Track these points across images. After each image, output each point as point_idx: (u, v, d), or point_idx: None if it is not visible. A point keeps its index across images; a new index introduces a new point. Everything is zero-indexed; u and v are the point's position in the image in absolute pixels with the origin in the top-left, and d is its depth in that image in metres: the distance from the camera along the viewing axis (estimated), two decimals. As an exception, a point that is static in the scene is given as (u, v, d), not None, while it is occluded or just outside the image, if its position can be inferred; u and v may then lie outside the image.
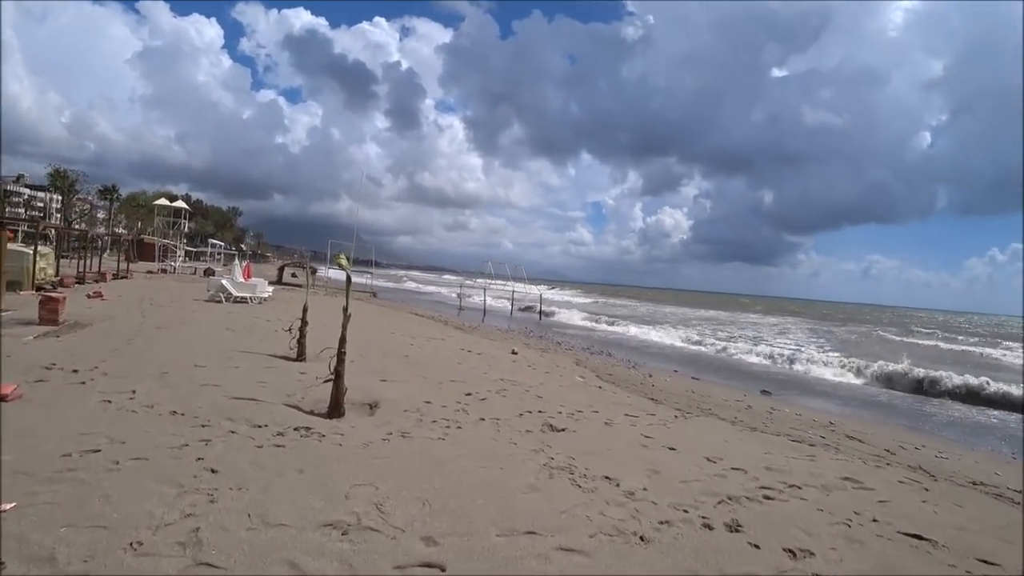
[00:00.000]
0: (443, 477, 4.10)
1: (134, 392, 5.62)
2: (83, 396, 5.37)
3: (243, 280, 18.96)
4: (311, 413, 5.48)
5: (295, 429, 4.84)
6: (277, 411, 5.40)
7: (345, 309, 5.64)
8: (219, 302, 17.03)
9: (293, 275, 38.53)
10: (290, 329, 8.81)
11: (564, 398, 7.71)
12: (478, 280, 38.80)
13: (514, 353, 12.46)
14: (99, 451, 3.95)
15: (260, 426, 4.85)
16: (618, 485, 4.40)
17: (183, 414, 5.01)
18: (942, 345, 30.88)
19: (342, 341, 5.55)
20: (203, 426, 4.72)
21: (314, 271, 35.04)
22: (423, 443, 4.89)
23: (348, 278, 6.07)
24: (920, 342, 32.19)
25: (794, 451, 6.19)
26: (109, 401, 5.25)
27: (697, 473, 4.92)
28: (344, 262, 5.87)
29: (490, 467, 4.44)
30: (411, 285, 65.65)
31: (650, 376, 12.22)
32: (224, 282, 18.03)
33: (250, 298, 18.03)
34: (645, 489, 4.38)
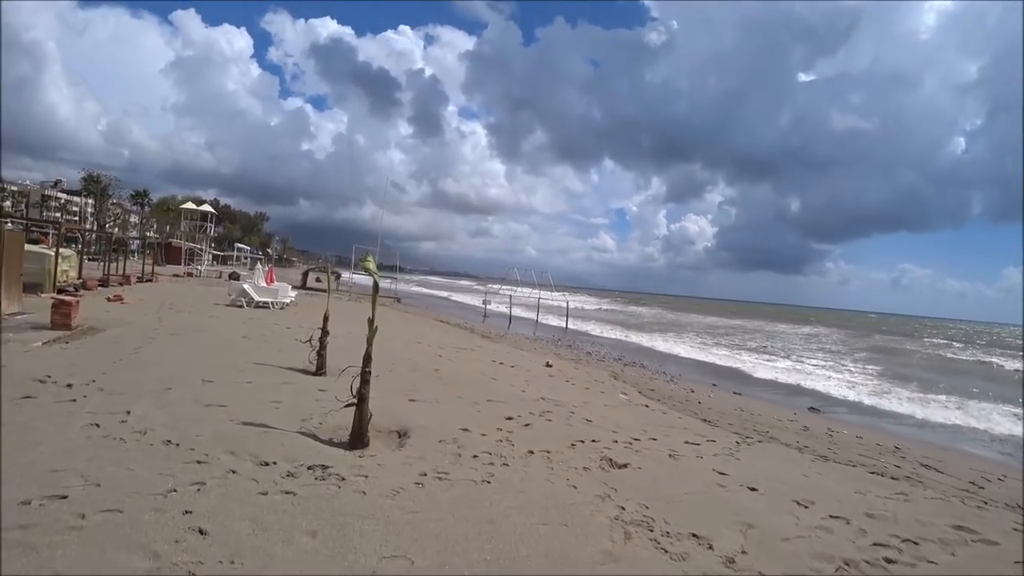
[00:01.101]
0: (495, 541, 3.19)
1: (128, 414, 4.84)
2: (69, 418, 4.60)
3: (265, 285, 18.44)
4: (329, 443, 4.61)
5: (309, 468, 3.96)
6: (289, 441, 4.54)
7: (371, 321, 4.72)
8: (240, 307, 16.49)
9: (317, 280, 38.31)
10: (310, 340, 8.00)
11: (615, 421, 6.81)
12: (502, 289, 37.80)
13: (549, 366, 11.55)
14: (66, 497, 3.15)
15: (267, 463, 3.97)
16: (711, 547, 3.51)
17: (178, 444, 4.18)
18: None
19: (367, 359, 4.63)
20: (199, 462, 3.87)
21: (338, 276, 34.62)
22: (465, 488, 3.98)
23: (375, 285, 5.08)
24: (958, 356, 30.67)
25: (882, 488, 5.37)
26: (97, 425, 4.47)
27: (794, 525, 4.05)
28: (371, 265, 4.94)
29: (552, 524, 3.52)
30: (424, 290, 64.82)
31: (692, 391, 11.35)
32: (245, 287, 17.54)
33: (271, 303, 17.48)
34: (744, 552, 3.52)
